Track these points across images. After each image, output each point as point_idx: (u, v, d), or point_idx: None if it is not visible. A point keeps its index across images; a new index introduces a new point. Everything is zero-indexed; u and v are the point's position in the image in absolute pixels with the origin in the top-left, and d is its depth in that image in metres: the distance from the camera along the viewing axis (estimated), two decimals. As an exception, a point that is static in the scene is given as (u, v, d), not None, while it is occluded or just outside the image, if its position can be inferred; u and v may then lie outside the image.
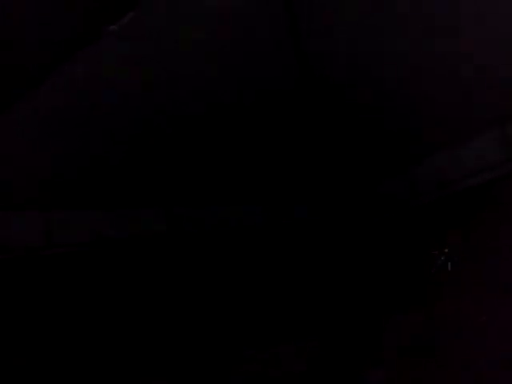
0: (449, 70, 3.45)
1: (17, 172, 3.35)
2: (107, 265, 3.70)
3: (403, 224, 4.17)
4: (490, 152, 3.55)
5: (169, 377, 3.67)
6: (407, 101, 3.66)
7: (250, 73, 3.19)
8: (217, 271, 4.13)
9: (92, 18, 2.45)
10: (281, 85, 3.35)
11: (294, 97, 3.45)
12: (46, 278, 3.54)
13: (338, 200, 4.60)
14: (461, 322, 3.77)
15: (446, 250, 3.81)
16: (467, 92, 3.54)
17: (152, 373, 3.64)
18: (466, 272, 3.76)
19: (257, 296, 4.27)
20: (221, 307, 4.08)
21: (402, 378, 4.06)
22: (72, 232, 3.59)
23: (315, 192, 4.45)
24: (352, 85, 3.53)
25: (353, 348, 4.41)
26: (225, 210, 4.05)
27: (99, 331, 3.58)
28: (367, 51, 3.33)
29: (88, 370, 3.47)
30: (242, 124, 3.56)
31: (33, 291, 3.47)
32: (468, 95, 3.56)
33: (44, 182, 3.48)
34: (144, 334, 3.72)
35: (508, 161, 3.44)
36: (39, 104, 3.01)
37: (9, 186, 3.30)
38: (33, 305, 3.45)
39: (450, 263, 3.83)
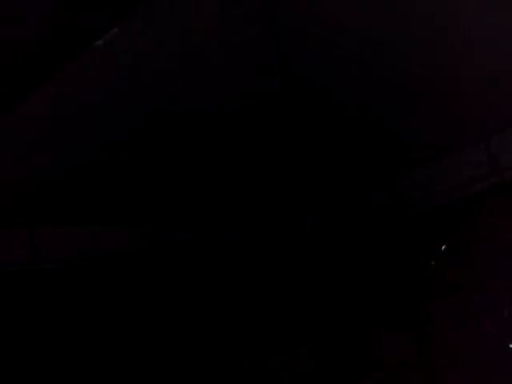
0: (436, 83, 3.46)
1: (2, 187, 3.33)
2: (93, 281, 3.68)
3: (389, 236, 4.17)
4: (476, 165, 3.56)
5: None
6: (395, 111, 3.66)
7: (231, 77, 3.16)
8: (204, 286, 4.11)
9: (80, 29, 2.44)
10: (263, 92, 3.33)
11: (276, 104, 3.44)
12: (31, 295, 3.52)
13: (323, 211, 4.60)
14: (450, 333, 3.77)
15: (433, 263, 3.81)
16: (453, 104, 3.55)
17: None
18: (452, 283, 3.76)
19: (244, 308, 4.26)
20: (207, 321, 4.07)
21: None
22: (58, 248, 3.57)
23: (300, 203, 4.45)
24: (338, 92, 3.53)
25: (343, 359, 4.40)
26: (211, 225, 4.04)
27: (85, 347, 3.56)
28: (353, 58, 3.32)
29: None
30: (225, 134, 3.55)
31: (18, 307, 3.45)
32: (454, 107, 3.57)
33: (30, 197, 3.46)
34: (131, 348, 3.70)
35: (493, 174, 3.45)
36: (24, 117, 2.99)
37: (-7, 202, 3.28)
38: (18, 321, 3.42)
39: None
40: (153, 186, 3.61)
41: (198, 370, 3.91)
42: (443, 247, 3.79)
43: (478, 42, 3.14)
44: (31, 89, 2.52)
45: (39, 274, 3.56)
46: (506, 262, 3.42)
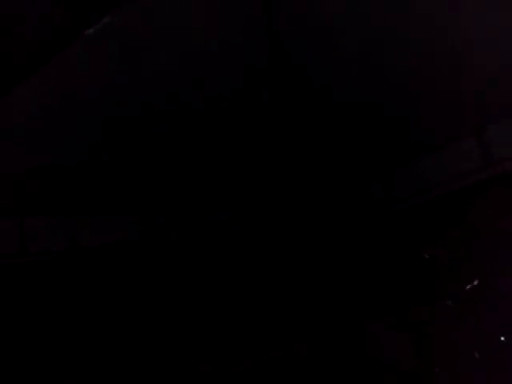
0: (433, 78, 3.45)
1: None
2: (82, 273, 3.65)
3: (385, 227, 4.17)
4: (470, 158, 3.56)
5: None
6: (390, 105, 3.65)
7: (223, 70, 3.13)
8: (193, 279, 4.10)
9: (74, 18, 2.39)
10: (256, 86, 3.30)
11: (270, 96, 3.41)
12: (20, 287, 3.48)
13: (319, 203, 4.59)
14: (444, 327, 3.78)
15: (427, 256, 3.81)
16: (448, 98, 3.54)
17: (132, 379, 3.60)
18: (445, 276, 3.77)
19: (236, 302, 4.25)
20: (197, 315, 4.05)
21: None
22: (47, 240, 3.53)
23: (295, 196, 4.43)
24: (336, 89, 3.51)
25: (339, 353, 4.41)
26: (200, 217, 4.01)
27: (74, 340, 3.53)
28: (351, 53, 3.30)
29: (62, 376, 3.43)
30: (217, 127, 3.52)
31: (6, 300, 3.42)
32: (449, 101, 3.56)
33: (19, 188, 3.42)
34: (120, 341, 3.68)
35: (486, 167, 3.45)
36: (13, 109, 2.95)
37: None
38: (6, 313, 3.39)
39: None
40: (143, 177, 3.58)
41: (191, 365, 3.90)
42: (438, 240, 3.79)
43: (473, 36, 3.13)
44: (17, 81, 2.48)
45: (28, 266, 3.52)
46: (503, 253, 3.42)
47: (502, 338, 3.36)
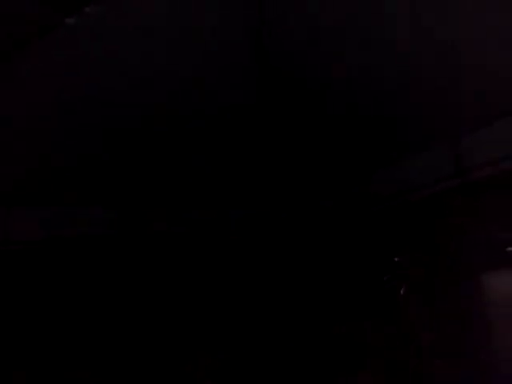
0: (412, 85, 3.53)
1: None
2: (58, 263, 3.71)
3: (361, 230, 4.22)
4: (442, 165, 3.63)
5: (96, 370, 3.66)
6: (368, 110, 3.72)
7: (211, 77, 3.23)
8: (165, 271, 4.14)
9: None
10: (243, 88, 3.40)
11: (255, 102, 3.50)
12: (1, 275, 3.54)
13: (302, 205, 4.64)
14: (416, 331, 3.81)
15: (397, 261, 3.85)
16: (426, 105, 3.62)
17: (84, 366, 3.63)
18: (419, 276, 3.81)
19: (202, 296, 4.28)
20: (166, 306, 4.09)
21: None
22: (30, 229, 3.61)
23: (276, 197, 4.49)
24: (316, 93, 3.59)
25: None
26: (177, 214, 4.07)
27: (49, 328, 3.58)
28: (332, 57, 3.38)
29: (36, 362, 3.46)
30: (202, 127, 3.60)
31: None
32: (427, 108, 3.64)
33: (3, 178, 3.49)
34: (89, 330, 3.72)
35: (458, 174, 3.52)
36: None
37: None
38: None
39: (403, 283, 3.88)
40: (127, 171, 3.65)
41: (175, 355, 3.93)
42: (411, 242, 3.84)
43: (458, 42, 3.21)
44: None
45: (8, 254, 3.59)
46: (471, 257, 3.48)
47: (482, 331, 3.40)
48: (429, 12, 3.10)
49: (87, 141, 3.40)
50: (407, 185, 3.76)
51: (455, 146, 3.57)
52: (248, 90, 3.46)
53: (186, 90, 3.20)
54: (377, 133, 3.82)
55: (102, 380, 3.62)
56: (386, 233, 4.00)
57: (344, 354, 4.20)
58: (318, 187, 4.45)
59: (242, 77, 3.34)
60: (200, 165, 3.93)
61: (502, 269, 3.28)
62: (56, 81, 2.87)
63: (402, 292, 3.85)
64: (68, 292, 3.69)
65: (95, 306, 3.77)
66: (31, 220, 3.67)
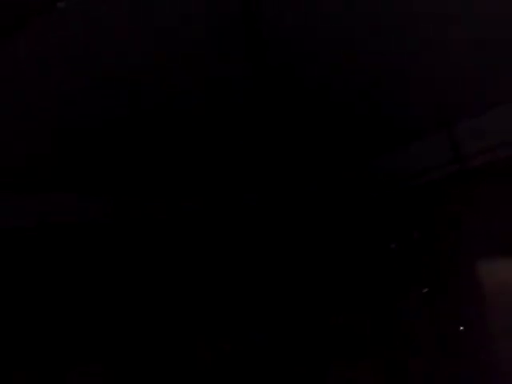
0: (407, 72, 3.50)
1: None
2: (53, 252, 3.67)
3: (357, 217, 4.20)
4: (439, 152, 3.61)
5: (104, 362, 3.64)
6: (364, 97, 3.69)
7: (201, 64, 3.18)
8: (160, 260, 4.11)
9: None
10: (235, 73, 3.34)
11: (246, 90, 3.45)
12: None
13: (289, 190, 4.61)
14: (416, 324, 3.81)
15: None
16: (422, 92, 3.59)
17: (88, 358, 3.60)
18: (417, 269, 3.80)
19: (198, 286, 4.27)
20: (162, 297, 4.07)
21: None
22: (18, 216, 3.55)
23: (262, 181, 4.45)
24: (312, 78, 3.55)
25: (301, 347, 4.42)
26: (171, 202, 4.04)
27: (40, 319, 3.54)
28: (327, 46, 3.34)
29: (26, 356, 3.43)
30: (194, 114, 3.55)
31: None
32: (422, 95, 3.61)
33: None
34: (83, 321, 3.69)
35: (455, 161, 3.50)
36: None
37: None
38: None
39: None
40: (121, 157, 3.61)
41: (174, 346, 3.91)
42: (409, 229, 3.83)
43: (448, 30, 3.18)
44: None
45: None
46: (468, 248, 3.47)
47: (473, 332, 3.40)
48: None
49: (82, 127, 3.34)
50: (404, 172, 3.73)
51: (452, 133, 3.54)
52: (242, 75, 3.41)
53: (177, 73, 3.14)
54: (373, 120, 3.78)
55: (97, 375, 3.59)
56: (384, 220, 3.97)
57: (341, 344, 4.19)
58: (313, 173, 4.42)
59: (237, 63, 3.29)
60: (191, 152, 3.89)
61: (501, 257, 3.27)
62: (49, 65, 2.79)
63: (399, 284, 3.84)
64: (64, 282, 3.65)
65: (92, 296, 3.73)
66: (20, 207, 3.61)
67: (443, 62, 3.35)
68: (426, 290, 3.70)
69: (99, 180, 3.66)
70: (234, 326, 4.20)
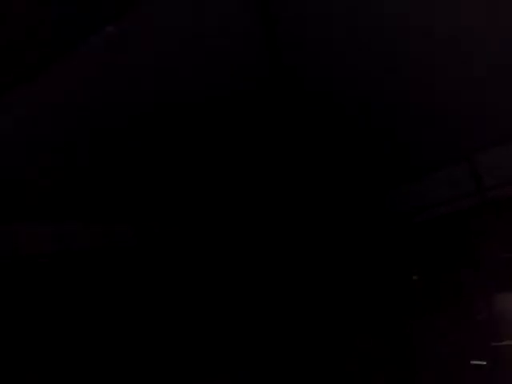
0: (430, 103, 3.50)
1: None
2: (76, 278, 3.66)
3: (377, 247, 4.19)
4: (462, 182, 3.61)
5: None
6: (386, 130, 3.70)
7: (220, 71, 3.19)
8: (180, 286, 4.10)
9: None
10: (254, 87, 3.36)
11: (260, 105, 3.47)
12: (13, 289, 3.49)
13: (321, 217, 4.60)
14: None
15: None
16: (443, 124, 3.60)
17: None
18: (436, 297, 3.78)
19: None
20: (189, 319, 4.05)
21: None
22: (39, 243, 3.56)
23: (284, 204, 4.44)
24: (334, 104, 3.56)
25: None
26: (194, 227, 4.02)
27: (64, 343, 3.53)
28: (350, 71, 3.36)
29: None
30: (219, 134, 3.57)
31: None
32: (443, 127, 3.61)
33: (14, 192, 3.45)
34: (111, 344, 3.68)
35: (477, 191, 3.50)
36: (12, 110, 2.99)
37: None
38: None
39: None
40: (142, 184, 3.61)
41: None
42: (429, 259, 3.81)
43: (470, 67, 3.19)
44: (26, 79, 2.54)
45: (20, 269, 3.54)
46: (489, 277, 3.45)
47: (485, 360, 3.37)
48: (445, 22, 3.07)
49: (104, 156, 3.36)
50: (425, 203, 3.73)
51: (474, 165, 3.54)
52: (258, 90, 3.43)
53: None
54: (394, 151, 3.79)
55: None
56: (403, 250, 3.96)
57: (357, 364, 4.16)
58: (336, 202, 4.41)
59: (253, 73, 3.30)
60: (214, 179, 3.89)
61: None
62: (76, 96, 2.83)
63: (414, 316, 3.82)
64: (80, 304, 3.64)
65: (106, 317, 3.72)
66: (42, 234, 3.61)
67: (465, 96, 3.36)
68: (443, 317, 3.68)
69: (123, 208, 3.65)
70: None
